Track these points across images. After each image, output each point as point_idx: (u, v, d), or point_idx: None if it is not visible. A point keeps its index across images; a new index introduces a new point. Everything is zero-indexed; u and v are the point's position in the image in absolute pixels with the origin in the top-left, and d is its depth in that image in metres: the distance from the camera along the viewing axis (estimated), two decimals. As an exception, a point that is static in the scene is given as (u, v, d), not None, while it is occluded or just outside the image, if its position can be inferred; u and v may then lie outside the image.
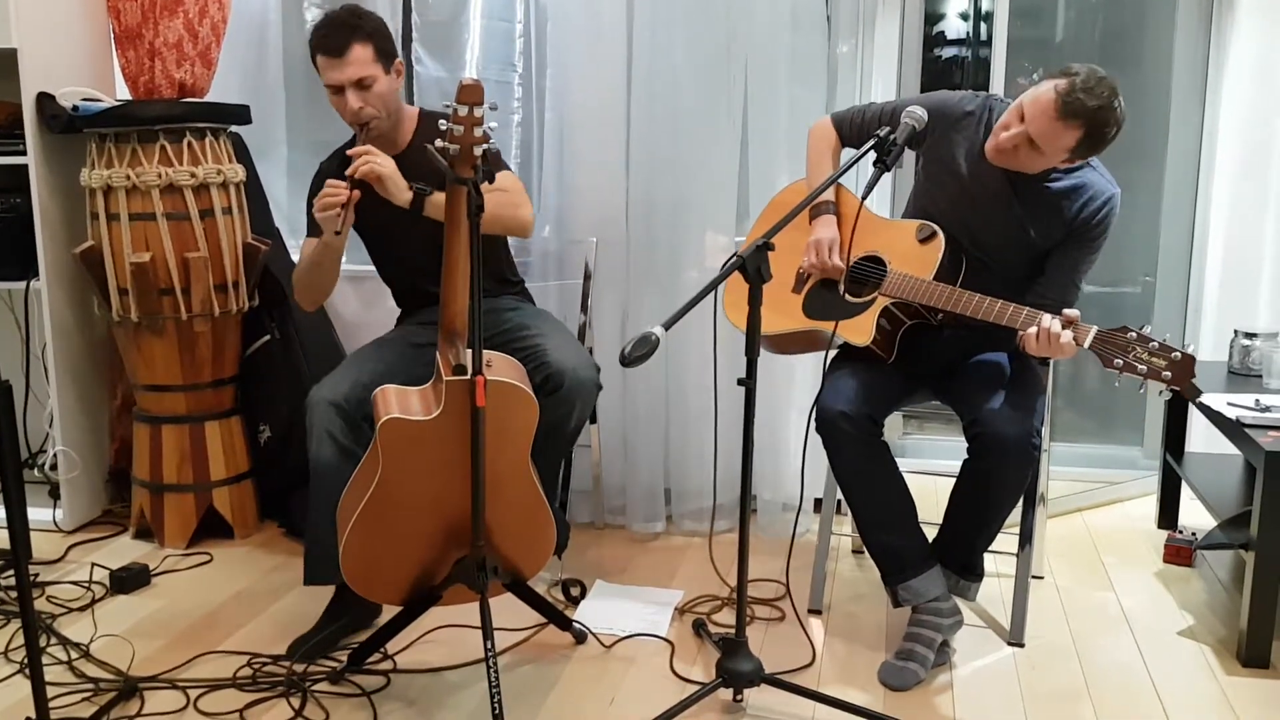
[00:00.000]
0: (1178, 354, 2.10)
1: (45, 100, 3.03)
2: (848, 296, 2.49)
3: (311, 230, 2.60)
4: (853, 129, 2.60)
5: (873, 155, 2.21)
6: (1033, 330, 2.18)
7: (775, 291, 2.54)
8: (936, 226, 2.41)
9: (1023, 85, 3.60)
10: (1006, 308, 2.25)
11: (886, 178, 2.75)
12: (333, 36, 2.47)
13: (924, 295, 2.34)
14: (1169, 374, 2.10)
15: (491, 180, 2.50)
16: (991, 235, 2.43)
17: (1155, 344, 2.12)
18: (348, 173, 2.35)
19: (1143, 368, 2.11)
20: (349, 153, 2.38)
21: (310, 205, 2.58)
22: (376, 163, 2.36)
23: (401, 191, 2.39)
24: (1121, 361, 2.13)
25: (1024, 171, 2.33)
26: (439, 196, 2.40)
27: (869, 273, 2.47)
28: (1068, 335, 2.15)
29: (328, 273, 2.59)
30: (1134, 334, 2.13)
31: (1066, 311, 2.18)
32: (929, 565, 2.43)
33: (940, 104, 2.44)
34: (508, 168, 2.69)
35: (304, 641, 2.48)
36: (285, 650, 2.48)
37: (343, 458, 2.43)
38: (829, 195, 2.55)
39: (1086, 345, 2.16)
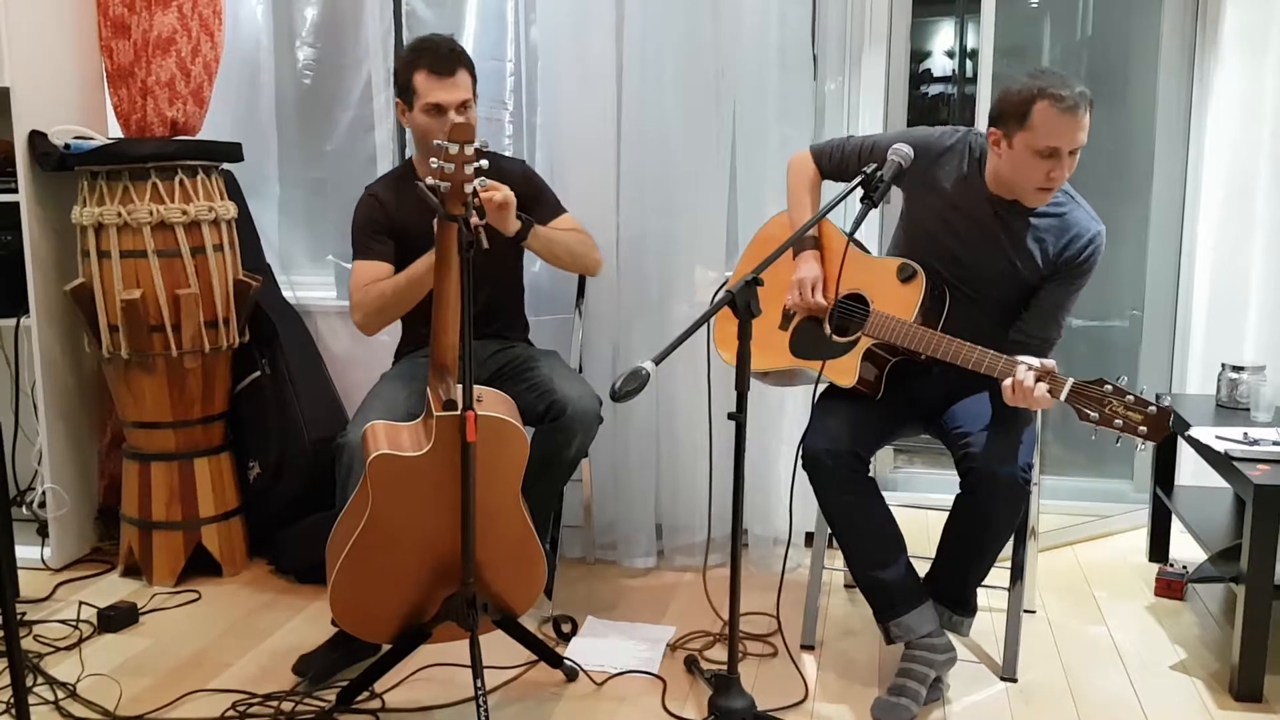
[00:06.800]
0: (1153, 408, 2.08)
1: (37, 138, 3.04)
2: (833, 336, 2.50)
3: (364, 254, 2.66)
4: (831, 162, 2.62)
5: (859, 192, 2.24)
6: (1008, 382, 2.18)
7: (762, 329, 2.54)
8: (917, 265, 2.42)
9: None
10: (985, 356, 2.24)
11: (873, 213, 2.76)
12: (443, 59, 2.59)
13: (906, 339, 2.35)
14: (1144, 429, 2.08)
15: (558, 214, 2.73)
16: (977, 267, 2.44)
17: (1131, 398, 2.09)
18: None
19: (1119, 422, 2.09)
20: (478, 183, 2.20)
21: (357, 229, 2.68)
22: (505, 189, 2.42)
23: (512, 222, 2.45)
24: (1097, 415, 2.11)
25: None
26: (541, 230, 2.54)
27: (853, 311, 2.49)
28: (1042, 389, 2.14)
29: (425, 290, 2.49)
30: (1110, 386, 2.11)
31: (1044, 363, 2.17)
32: (920, 601, 2.42)
33: (923, 140, 2.46)
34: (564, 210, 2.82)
35: (308, 662, 2.51)
36: (291, 667, 2.51)
37: None
38: (813, 230, 2.57)
39: (1063, 398, 2.14)
